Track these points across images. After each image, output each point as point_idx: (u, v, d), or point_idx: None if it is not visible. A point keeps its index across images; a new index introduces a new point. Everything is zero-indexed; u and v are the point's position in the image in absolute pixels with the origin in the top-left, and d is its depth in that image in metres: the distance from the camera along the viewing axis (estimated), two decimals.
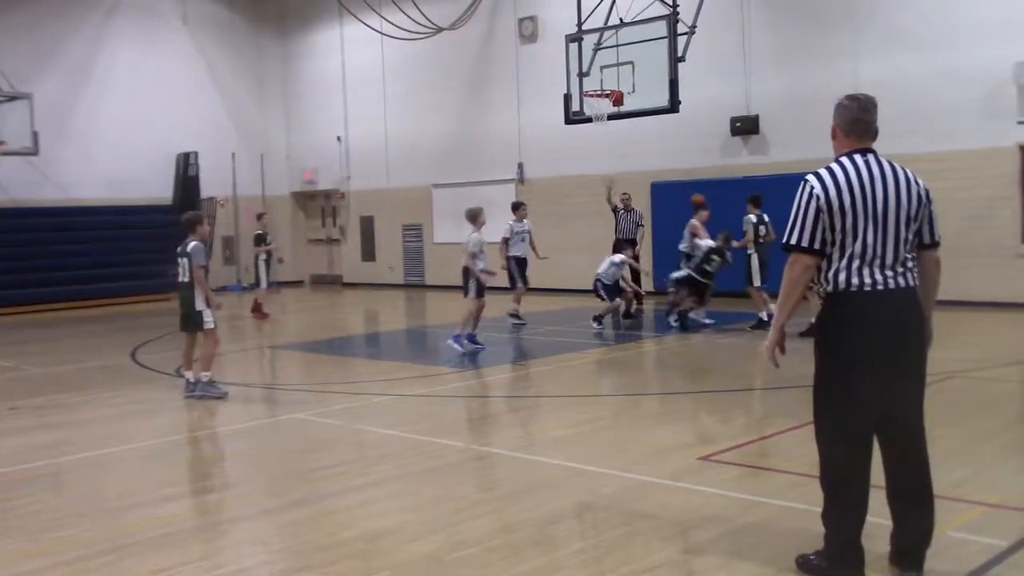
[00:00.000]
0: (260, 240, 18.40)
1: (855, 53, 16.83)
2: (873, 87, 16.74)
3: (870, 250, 4.38)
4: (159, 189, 25.22)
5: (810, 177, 4.46)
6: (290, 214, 28.20)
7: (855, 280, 4.37)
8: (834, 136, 4.66)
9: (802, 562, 4.69)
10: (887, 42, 16.51)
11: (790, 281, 4.47)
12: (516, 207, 16.03)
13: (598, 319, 14.97)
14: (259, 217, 19.32)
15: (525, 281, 15.78)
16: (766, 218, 14.16)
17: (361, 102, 25.81)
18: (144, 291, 23.01)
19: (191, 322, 10.29)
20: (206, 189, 25.57)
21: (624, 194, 17.24)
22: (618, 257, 15.32)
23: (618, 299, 15.32)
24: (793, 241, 4.43)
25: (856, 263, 4.38)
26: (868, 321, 4.38)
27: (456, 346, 12.87)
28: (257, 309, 18.25)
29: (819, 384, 4.57)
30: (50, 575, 5.07)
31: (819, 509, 4.64)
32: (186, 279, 10.16)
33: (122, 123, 24.22)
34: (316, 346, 14.61)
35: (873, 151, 4.61)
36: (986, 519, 5.45)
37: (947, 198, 15.88)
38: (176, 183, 25.61)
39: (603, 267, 15.25)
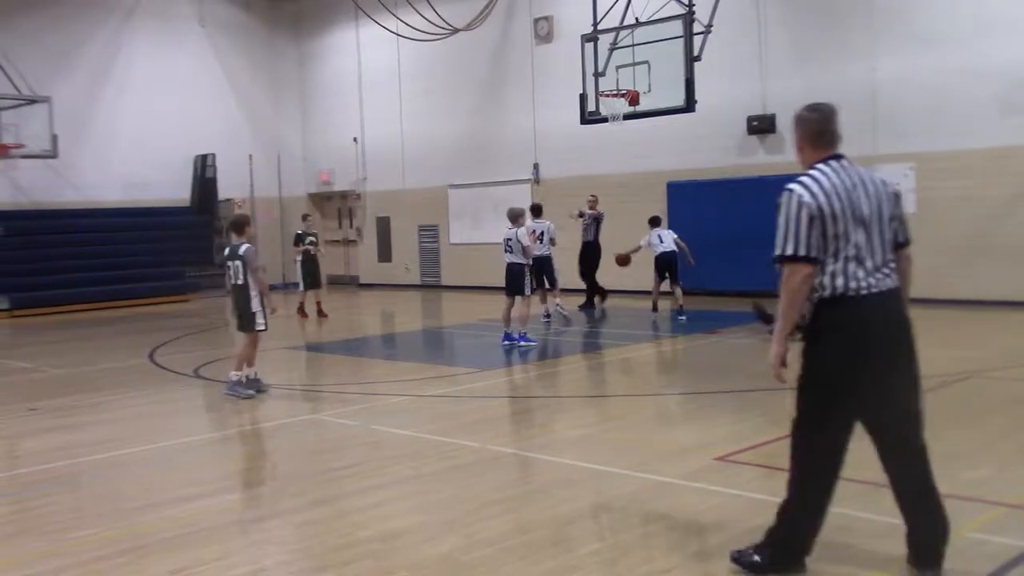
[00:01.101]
0: (298, 240, 18.40)
1: (872, 51, 16.73)
2: (890, 85, 16.81)
3: (860, 252, 4.39)
4: (177, 191, 25.36)
5: (794, 187, 4.41)
6: None
7: (852, 284, 4.37)
8: (801, 150, 4.64)
9: (737, 557, 4.71)
10: (904, 40, 16.41)
11: (791, 292, 4.41)
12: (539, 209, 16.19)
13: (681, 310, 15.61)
14: (304, 218, 19.43)
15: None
16: None
17: (377, 103, 25.85)
18: (162, 292, 23.15)
19: (248, 322, 10.25)
20: (223, 191, 25.68)
21: (591, 196, 17.80)
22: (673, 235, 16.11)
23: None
24: (790, 252, 4.37)
25: (851, 266, 4.38)
26: (866, 324, 4.39)
27: (528, 342, 13.13)
28: (320, 311, 18.25)
29: (810, 386, 4.52)
30: (68, 575, 5.11)
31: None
32: (239, 281, 10.10)
33: (140, 125, 24.35)
34: (332, 347, 14.64)
35: (844, 156, 4.59)
36: (1005, 520, 5.41)
37: (964, 196, 15.84)
38: (194, 185, 25.74)
39: (667, 241, 15.96)
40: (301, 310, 18.23)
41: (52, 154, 21.55)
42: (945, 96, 15.93)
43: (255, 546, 5.56)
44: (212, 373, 12.01)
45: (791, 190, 4.40)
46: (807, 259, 4.35)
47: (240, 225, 10.41)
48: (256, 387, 10.26)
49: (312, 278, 18.32)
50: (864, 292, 4.37)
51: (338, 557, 5.18)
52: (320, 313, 18.22)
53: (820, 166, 4.50)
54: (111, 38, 24.49)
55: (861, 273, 4.38)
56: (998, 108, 15.45)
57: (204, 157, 25.47)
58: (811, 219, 4.34)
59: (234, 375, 10.25)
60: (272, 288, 20.30)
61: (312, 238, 18.45)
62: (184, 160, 25.48)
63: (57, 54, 23.26)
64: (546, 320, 15.71)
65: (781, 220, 4.41)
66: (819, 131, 4.56)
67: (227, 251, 10.29)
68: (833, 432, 4.50)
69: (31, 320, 20.26)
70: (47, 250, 22.49)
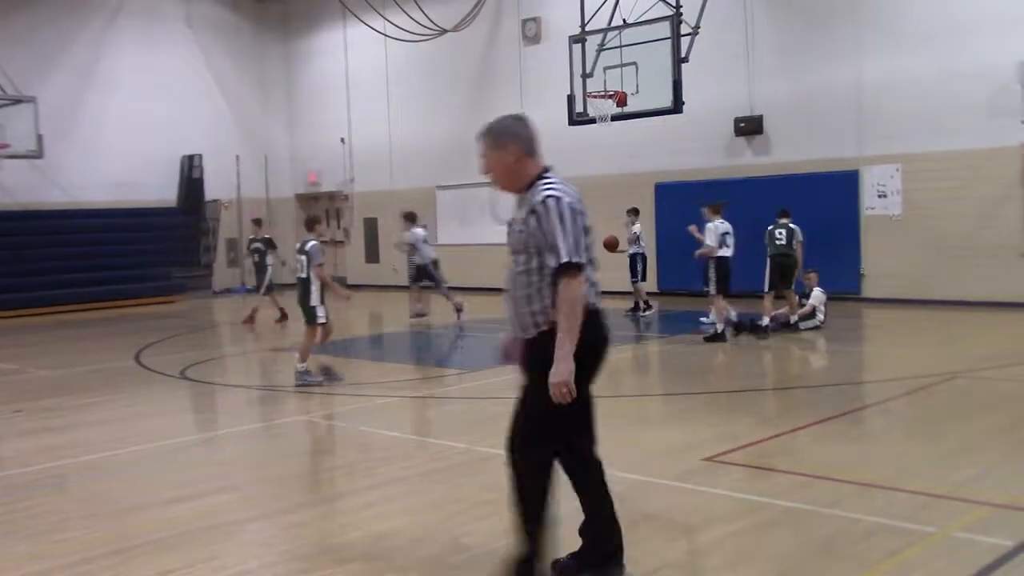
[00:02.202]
0: (248, 246, 18.03)
1: (859, 53, 16.80)
2: (877, 87, 16.88)
3: (593, 266, 4.38)
4: (163, 191, 25.26)
5: (559, 195, 4.23)
6: (294, 216, 28.18)
7: (596, 296, 4.36)
8: (516, 160, 4.45)
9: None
10: (891, 41, 16.49)
11: (576, 301, 4.15)
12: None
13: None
14: (254, 223, 18.73)
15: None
16: (792, 225, 13.76)
17: (364, 104, 25.81)
18: (149, 293, 23.05)
19: (310, 316, 10.82)
20: (210, 191, 25.61)
21: None
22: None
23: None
24: (577, 259, 4.16)
25: (594, 278, 4.37)
26: (607, 338, 4.40)
27: None
28: (250, 317, 17.50)
29: (555, 410, 4.21)
30: None
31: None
32: (303, 275, 10.69)
33: (126, 126, 24.25)
34: (320, 348, 14.58)
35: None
36: (992, 519, 5.43)
37: (951, 197, 15.92)
38: (180, 185, 25.65)
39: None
40: (249, 318, 17.45)
41: (37, 154, 21.42)
42: (931, 97, 16.01)
43: (243, 548, 5.54)
44: (199, 375, 11.98)
45: (558, 198, 4.21)
46: (582, 267, 4.21)
47: (311, 223, 11.15)
48: (330, 376, 10.69)
49: (257, 285, 17.70)
50: (601, 306, 4.40)
51: (327, 559, 5.16)
52: (248, 319, 17.36)
53: (552, 176, 4.38)
54: (97, 38, 24.38)
55: (595, 286, 4.39)
56: (984, 109, 15.53)
57: (191, 158, 25.39)
58: (584, 228, 4.26)
59: (300, 366, 10.66)
60: (229, 292, 20.05)
61: (259, 244, 17.66)
62: (171, 161, 25.39)
63: (43, 54, 23.15)
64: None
65: (557, 228, 4.16)
66: (532, 138, 4.49)
67: (297, 246, 10.92)
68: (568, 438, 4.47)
69: (16, 321, 20.14)
70: (32, 251, 22.37)
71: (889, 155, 16.57)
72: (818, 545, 4.77)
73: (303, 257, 10.67)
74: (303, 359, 10.74)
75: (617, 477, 6.52)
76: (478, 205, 22.16)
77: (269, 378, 12.55)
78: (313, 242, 10.70)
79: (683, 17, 14.75)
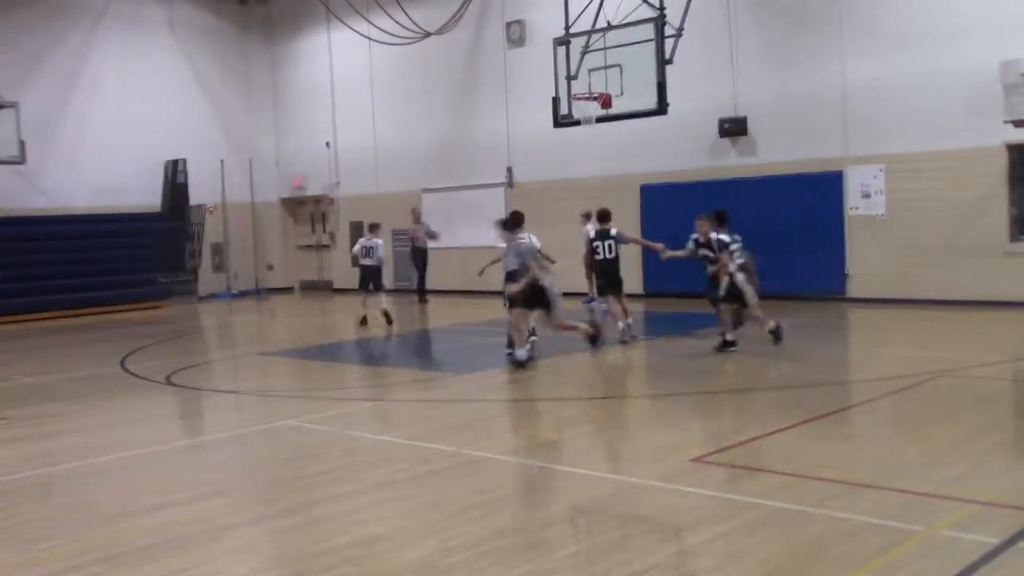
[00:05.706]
0: None
1: (842, 54, 16.88)
2: (860, 88, 16.96)
3: None
4: (147, 197, 25.12)
5: None
6: (279, 220, 28.12)
7: None
8: None
9: None
10: (874, 43, 16.56)
11: None
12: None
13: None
14: None
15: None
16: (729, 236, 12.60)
17: (349, 107, 25.76)
18: (133, 299, 22.93)
19: (619, 286, 13.34)
20: (195, 196, 25.48)
21: (415, 208, 19.74)
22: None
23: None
24: None
25: None
26: None
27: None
28: None
29: None
30: None
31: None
32: (611, 255, 13.16)
33: (110, 131, 24.11)
34: (306, 352, 14.56)
35: None
36: (977, 517, 5.46)
37: (935, 197, 16.02)
38: (164, 190, 25.52)
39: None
40: None
41: (20, 160, 21.30)
42: (915, 98, 16.09)
43: (230, 554, 5.52)
44: (185, 380, 11.92)
45: None
46: None
47: (607, 215, 13.45)
48: (624, 335, 13.08)
49: None
50: None
51: (314, 564, 5.15)
52: None
53: None
54: (80, 43, 24.24)
55: None
56: (967, 109, 15.61)
57: (175, 163, 25.27)
58: None
59: (626, 322, 13.17)
60: (215, 297, 19.89)
61: None
62: (155, 165, 25.26)
63: (25, 59, 23.01)
64: None
65: None
66: None
67: (595, 233, 13.45)
68: None
69: (0, 328, 20.00)
70: (15, 257, 22.19)
71: (873, 155, 16.64)
72: (806, 545, 4.78)
73: (611, 241, 13.09)
74: (618, 318, 13.10)
75: (606, 479, 6.56)
76: (464, 208, 22.16)
77: (253, 382, 12.50)
78: (616, 228, 13.30)
79: (667, 19, 14.77)
